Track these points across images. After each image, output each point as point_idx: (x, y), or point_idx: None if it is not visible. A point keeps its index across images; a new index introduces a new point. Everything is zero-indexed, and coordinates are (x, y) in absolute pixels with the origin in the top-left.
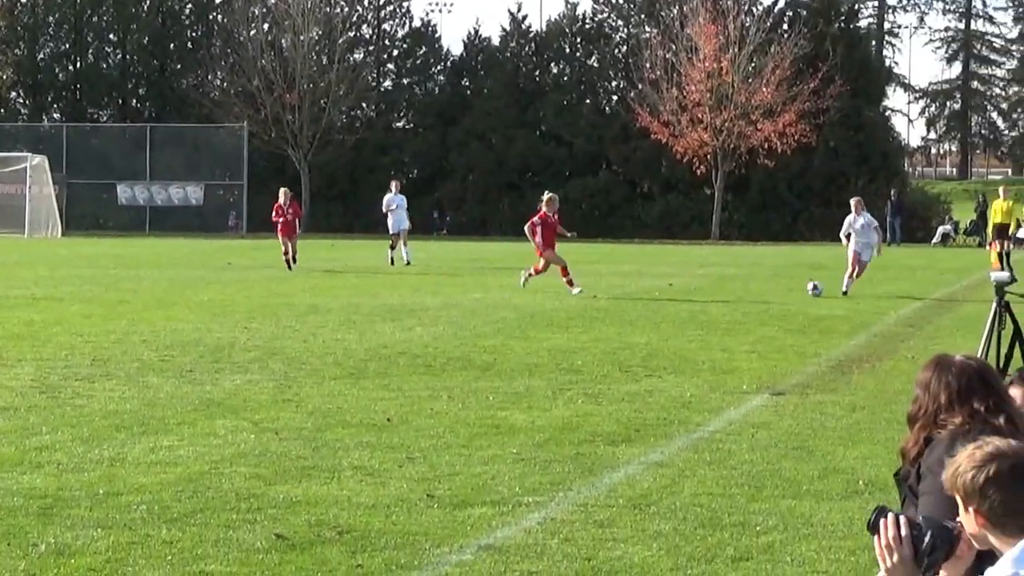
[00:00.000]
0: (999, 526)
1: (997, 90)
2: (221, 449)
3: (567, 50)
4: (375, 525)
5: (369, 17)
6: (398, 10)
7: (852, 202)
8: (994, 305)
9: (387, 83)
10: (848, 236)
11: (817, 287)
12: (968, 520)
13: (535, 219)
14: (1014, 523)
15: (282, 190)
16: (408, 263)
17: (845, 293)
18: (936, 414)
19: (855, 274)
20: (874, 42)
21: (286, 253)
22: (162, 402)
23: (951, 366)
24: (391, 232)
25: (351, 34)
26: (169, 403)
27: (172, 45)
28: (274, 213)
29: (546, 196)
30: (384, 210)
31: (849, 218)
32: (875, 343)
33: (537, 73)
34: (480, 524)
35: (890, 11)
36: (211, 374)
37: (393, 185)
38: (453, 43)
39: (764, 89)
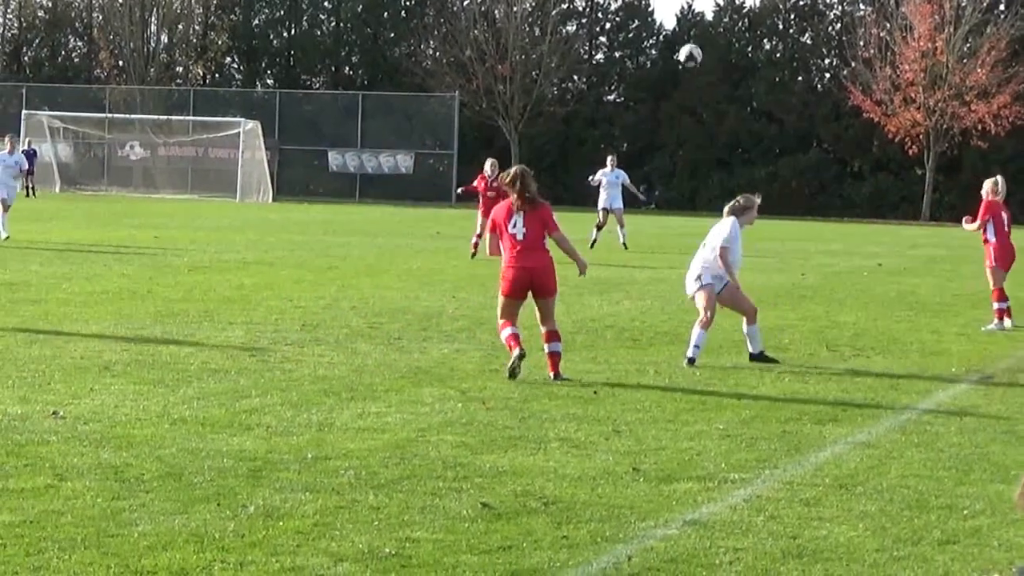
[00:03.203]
0: None
1: None
2: (428, 417)
3: (780, 26)
4: (581, 497)
5: None
6: None
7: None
8: None
9: (599, 56)
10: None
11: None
12: None
13: None
14: None
15: (489, 161)
16: (624, 246)
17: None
18: None
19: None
20: None
21: (479, 236)
22: (370, 369)
23: None
24: (599, 207)
25: (564, 6)
26: (377, 370)
27: (386, 14)
28: (477, 181)
29: None
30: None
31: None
32: None
33: (749, 49)
34: (686, 499)
35: None
36: (419, 342)
37: (608, 160)
38: (666, 17)
39: (979, 70)
